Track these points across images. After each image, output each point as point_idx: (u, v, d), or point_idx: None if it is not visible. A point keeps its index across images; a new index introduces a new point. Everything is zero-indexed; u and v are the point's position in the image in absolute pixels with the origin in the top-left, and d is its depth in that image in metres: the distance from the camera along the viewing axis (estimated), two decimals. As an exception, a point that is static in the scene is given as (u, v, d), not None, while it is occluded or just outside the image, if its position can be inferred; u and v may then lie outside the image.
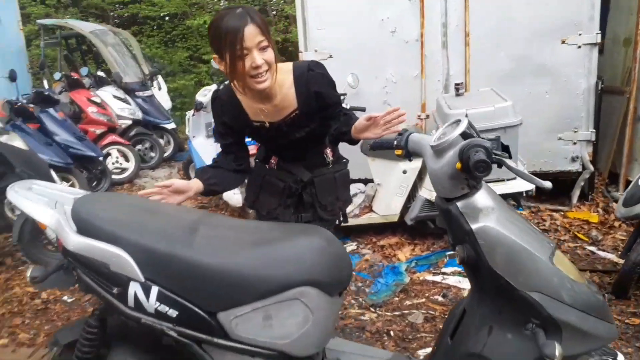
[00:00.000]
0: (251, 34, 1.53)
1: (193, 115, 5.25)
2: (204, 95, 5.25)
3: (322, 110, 1.83)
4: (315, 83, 1.77)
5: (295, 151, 1.91)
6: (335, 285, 1.51)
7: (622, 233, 3.71)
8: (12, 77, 5.03)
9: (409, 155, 1.71)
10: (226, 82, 5.56)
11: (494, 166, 1.31)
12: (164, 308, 1.39)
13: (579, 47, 3.90)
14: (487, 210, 1.37)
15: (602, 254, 3.49)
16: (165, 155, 7.03)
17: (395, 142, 1.71)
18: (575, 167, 4.13)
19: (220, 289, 1.38)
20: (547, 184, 1.24)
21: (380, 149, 1.82)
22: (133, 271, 1.37)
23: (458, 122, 1.47)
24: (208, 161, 5.07)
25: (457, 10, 3.95)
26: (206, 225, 1.52)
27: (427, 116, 4.11)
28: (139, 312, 1.40)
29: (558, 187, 4.44)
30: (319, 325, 1.47)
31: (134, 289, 1.39)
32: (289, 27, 11.84)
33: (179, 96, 11.66)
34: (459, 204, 1.39)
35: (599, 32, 3.85)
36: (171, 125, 7.24)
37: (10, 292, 3.43)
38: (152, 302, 1.39)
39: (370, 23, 4.03)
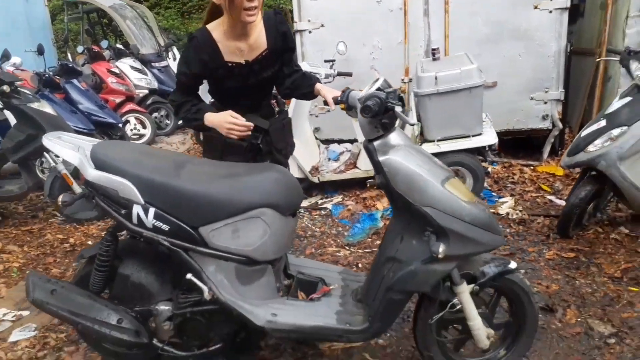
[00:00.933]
0: None
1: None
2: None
3: (285, 51, 2.20)
4: (282, 23, 2.16)
5: (255, 98, 2.23)
6: (287, 207, 2.01)
7: (583, 183, 4.09)
8: (40, 51, 5.57)
9: (350, 108, 2.16)
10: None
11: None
12: (159, 224, 1.90)
13: (550, 11, 4.20)
14: (395, 147, 1.83)
15: (558, 201, 3.89)
16: (180, 122, 7.55)
17: (339, 98, 2.17)
18: (546, 125, 4.49)
19: (200, 209, 1.89)
20: (412, 121, 1.68)
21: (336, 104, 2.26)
22: (135, 196, 1.89)
23: (377, 80, 1.92)
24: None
25: (437, -20, 4.29)
26: (190, 164, 2.03)
27: (410, 80, 4.50)
28: (141, 227, 1.92)
29: (532, 146, 4.85)
30: (275, 237, 1.98)
31: (137, 210, 1.91)
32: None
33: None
34: (375, 143, 1.85)
35: (569, -4, 4.15)
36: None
37: (44, 239, 4.02)
38: (150, 220, 1.90)
39: (357, -6, 4.41)
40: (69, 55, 7.72)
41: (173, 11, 12.70)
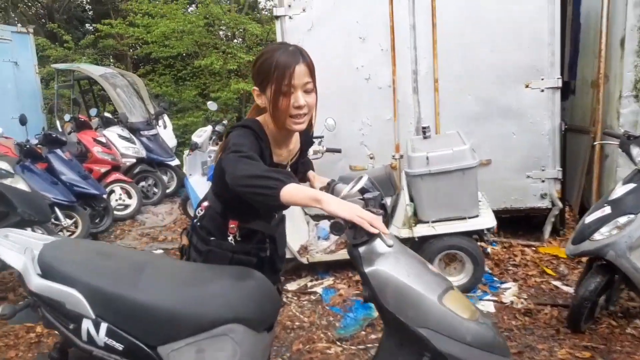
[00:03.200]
0: (301, 72, 1.58)
1: (189, 154, 5.57)
2: (199, 136, 5.57)
3: (308, 145, 2.02)
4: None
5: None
6: (262, 322, 1.74)
7: (587, 268, 3.85)
8: (22, 121, 5.44)
9: None
10: (224, 122, 5.82)
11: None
12: (112, 342, 1.63)
13: (542, 90, 4.13)
14: (383, 255, 1.60)
15: (565, 288, 3.64)
16: (168, 190, 7.36)
17: (324, 190, 1.97)
18: (545, 203, 4.31)
19: (159, 325, 1.62)
20: (389, 242, 1.46)
21: None
22: (85, 309, 1.63)
23: (360, 179, 1.72)
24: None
25: (427, 58, 4.24)
26: (151, 266, 1.78)
27: (401, 156, 4.36)
28: (91, 345, 1.65)
29: (532, 224, 4.65)
30: (247, 359, 1.70)
31: (87, 325, 1.64)
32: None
33: (188, 132, 12.12)
34: (361, 249, 1.61)
35: (560, 77, 4.09)
36: (174, 162, 7.59)
37: (8, 327, 3.68)
38: (102, 337, 1.63)
39: (346, 70, 4.35)
40: (58, 123, 7.62)
41: (167, 77, 12.83)
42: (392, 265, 1.59)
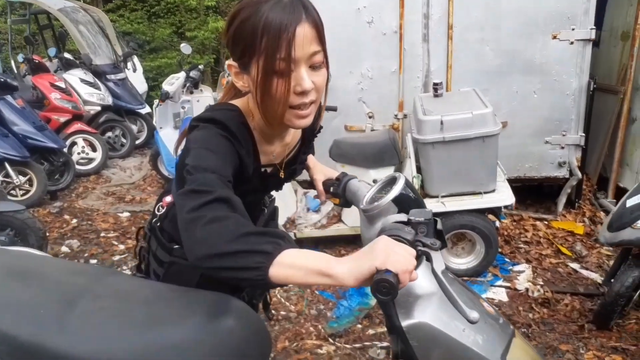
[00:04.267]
0: (305, 37, 0.98)
1: (159, 105, 4.92)
2: (171, 84, 4.91)
3: (314, 135, 1.40)
4: None
5: (258, 206, 1.42)
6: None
7: (608, 248, 3.45)
8: (-38, 63, 4.66)
9: (347, 204, 1.42)
10: (199, 67, 5.13)
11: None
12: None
13: (571, 43, 3.56)
14: (424, 298, 1.09)
15: (585, 272, 3.24)
16: (138, 142, 6.70)
17: (331, 189, 1.43)
18: (562, 173, 3.85)
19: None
20: (473, 316, 0.92)
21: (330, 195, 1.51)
22: (-13, 364, 1.10)
23: (394, 180, 1.18)
24: (175, 154, 4.82)
25: (441, 0, 3.59)
26: (90, 295, 1.23)
27: (405, 116, 3.80)
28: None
29: (543, 193, 4.21)
30: None
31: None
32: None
33: (162, 74, 11.24)
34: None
35: (594, 27, 3.51)
36: (145, 110, 6.89)
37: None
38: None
39: (344, 12, 3.68)
40: (13, 64, 6.76)
41: (139, 14, 11.76)
42: (439, 315, 1.08)
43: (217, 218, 0.90)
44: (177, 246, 1.34)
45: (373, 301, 2.97)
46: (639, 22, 3.56)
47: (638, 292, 2.60)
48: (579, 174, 3.78)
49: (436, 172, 3.03)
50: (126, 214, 4.57)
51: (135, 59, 7.68)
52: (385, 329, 2.73)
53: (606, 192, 3.98)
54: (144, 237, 1.42)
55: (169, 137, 4.91)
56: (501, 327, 1.19)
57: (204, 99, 5.49)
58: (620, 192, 3.86)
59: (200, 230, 0.89)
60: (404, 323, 1.05)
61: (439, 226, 1.02)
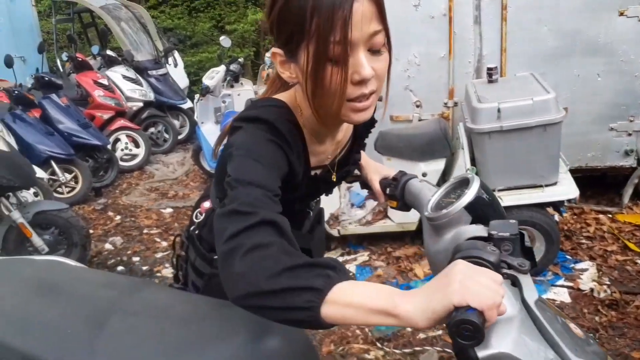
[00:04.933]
0: (364, 15, 0.82)
1: (200, 100, 4.87)
2: (211, 77, 4.85)
3: (368, 132, 1.24)
4: None
5: (304, 211, 1.27)
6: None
7: (684, 244, 3.14)
8: (8, 63, 4.75)
9: (406, 207, 1.26)
10: (239, 60, 5.05)
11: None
12: None
13: (640, 19, 3.24)
14: (504, 323, 0.91)
15: (656, 272, 2.95)
16: (180, 137, 6.70)
17: (388, 190, 1.27)
18: (629, 162, 3.53)
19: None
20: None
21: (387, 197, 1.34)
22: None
23: (466, 182, 1.01)
24: (217, 149, 4.76)
25: (493, -22, 3.34)
26: (121, 312, 1.12)
27: (455, 104, 3.57)
28: None
29: (606, 184, 3.89)
30: None
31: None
32: None
33: (202, 69, 11.29)
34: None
35: (667, 1, 3.18)
36: (187, 105, 6.88)
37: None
38: None
39: (389, -5, 3.48)
40: (59, 63, 6.88)
41: (180, 9, 11.84)
42: (522, 343, 0.89)
43: (259, 245, 0.75)
44: (217, 256, 1.21)
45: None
46: None
47: None
48: (649, 163, 3.46)
49: (492, 164, 2.81)
50: (169, 210, 4.55)
51: (176, 54, 7.70)
52: (438, 333, 2.56)
53: (679, 182, 3.63)
54: (181, 246, 1.31)
55: (210, 132, 4.86)
56: (592, 353, 1.01)
57: (245, 92, 5.41)
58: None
59: (239, 263, 0.74)
60: (481, 354, 0.87)
61: (527, 242, 0.84)
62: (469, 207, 0.93)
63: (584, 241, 3.35)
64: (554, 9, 3.33)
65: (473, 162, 2.91)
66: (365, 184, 1.35)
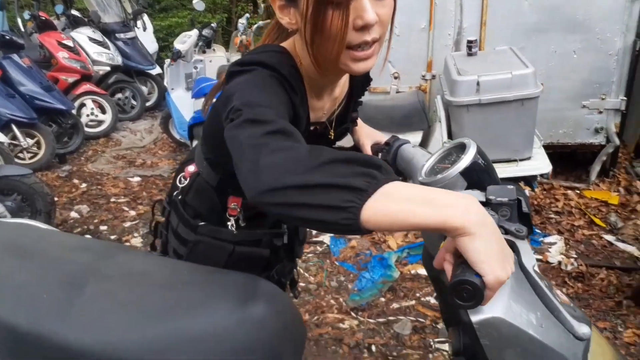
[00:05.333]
0: None
1: (170, 65, 4.70)
2: (183, 42, 4.67)
3: (364, 88, 1.19)
4: None
5: None
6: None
7: (647, 220, 3.25)
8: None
9: (398, 174, 1.23)
10: (212, 25, 4.89)
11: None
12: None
13: (618, -3, 3.26)
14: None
15: (621, 245, 3.04)
16: (148, 104, 6.50)
17: (380, 156, 1.24)
18: (599, 139, 3.60)
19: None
20: (584, 331, 0.73)
21: None
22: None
23: (462, 147, 0.98)
24: (187, 116, 4.60)
25: (475, -52, 3.30)
26: (98, 276, 1.06)
27: (434, 76, 3.55)
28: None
29: (575, 161, 3.97)
30: None
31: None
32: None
33: (172, 34, 10.92)
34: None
35: (645, -22, 3.21)
36: (156, 71, 6.65)
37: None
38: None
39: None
40: (19, 22, 6.50)
41: (149, -29, 11.36)
42: (514, 308, 0.89)
43: (285, 147, 0.68)
44: (203, 223, 1.16)
45: (396, 273, 2.82)
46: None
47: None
48: (617, 141, 3.54)
49: (470, 137, 2.81)
50: (137, 179, 4.43)
51: (146, 17, 7.40)
52: (411, 302, 2.59)
53: (644, 160, 3.74)
54: (163, 212, 1.25)
55: (181, 99, 4.71)
56: (577, 319, 1.01)
57: (217, 59, 5.26)
58: (659, 161, 3.63)
59: (266, 157, 0.67)
60: (475, 319, 0.86)
61: (525, 208, 0.82)
62: (465, 173, 0.91)
63: (552, 216, 3.43)
64: (535, -17, 3.33)
65: (450, 135, 2.91)
66: (357, 149, 1.31)
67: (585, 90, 3.49)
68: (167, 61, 4.84)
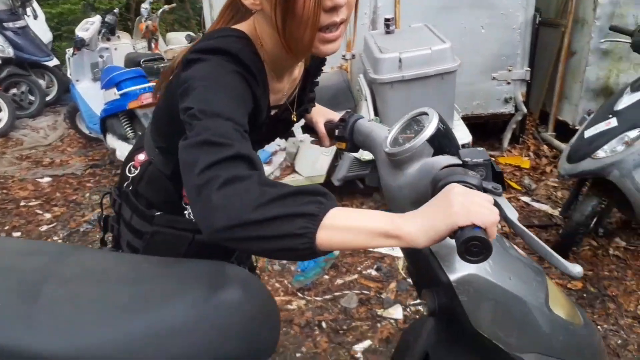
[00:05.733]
0: None
1: (74, 54, 4.36)
2: (85, 29, 4.35)
3: (320, 68, 1.19)
4: None
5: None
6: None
7: (554, 180, 3.56)
8: None
9: (355, 148, 1.25)
10: (114, 10, 4.59)
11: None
12: None
13: (518, -25, 3.50)
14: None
15: (536, 205, 3.32)
16: (48, 98, 6.01)
17: (337, 132, 1.24)
18: (508, 108, 3.88)
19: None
20: (577, 269, 0.80)
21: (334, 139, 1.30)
22: None
23: (423, 115, 1.02)
24: (97, 109, 4.30)
25: None
26: (55, 279, 0.98)
27: (353, 56, 3.60)
28: None
29: (487, 131, 4.25)
30: None
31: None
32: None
33: (65, 23, 10.12)
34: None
35: (539, -41, 3.46)
36: (53, 62, 6.15)
37: None
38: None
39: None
40: None
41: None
42: (485, 265, 0.95)
43: (238, 177, 0.68)
44: (159, 213, 1.10)
45: (337, 251, 2.87)
46: (580, -48, 3.54)
47: (594, 221, 2.69)
48: (524, 109, 3.83)
49: (394, 113, 2.90)
50: (47, 179, 4.09)
51: (35, 4, 6.76)
52: (354, 277, 2.66)
53: (546, 126, 4.08)
54: (113, 204, 1.17)
55: (87, 90, 4.40)
56: (535, 270, 1.10)
57: (123, 46, 4.97)
58: (559, 125, 3.98)
59: (217, 194, 0.67)
60: (452, 277, 0.91)
61: (497, 167, 0.87)
62: (431, 140, 0.94)
63: (472, 183, 3.65)
64: (443, -38, 3.46)
65: (376, 112, 2.98)
66: (309, 128, 1.31)
67: (494, 63, 3.73)
68: (69, 51, 4.49)
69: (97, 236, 3.19)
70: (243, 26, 0.92)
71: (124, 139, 3.81)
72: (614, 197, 2.56)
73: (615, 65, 3.60)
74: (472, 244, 0.66)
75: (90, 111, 4.38)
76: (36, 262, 0.99)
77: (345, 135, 1.20)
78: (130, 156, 1.15)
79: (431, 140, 0.94)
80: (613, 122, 2.50)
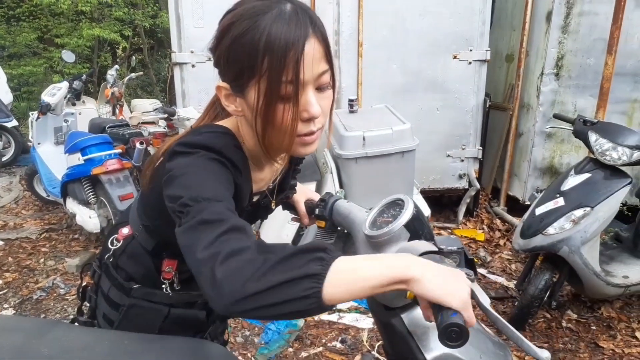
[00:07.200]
0: (314, 56, 0.84)
1: (38, 118, 4.33)
2: (52, 94, 4.35)
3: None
4: None
5: None
6: None
7: (507, 253, 3.74)
8: None
9: (334, 228, 1.32)
10: (82, 77, 4.64)
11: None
12: None
13: (470, 63, 3.83)
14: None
15: (492, 277, 3.45)
16: (5, 159, 5.87)
17: (317, 211, 1.31)
18: (463, 184, 4.10)
19: None
20: (545, 355, 0.87)
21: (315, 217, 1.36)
22: None
23: (399, 203, 1.11)
24: (58, 173, 4.25)
25: (351, 17, 3.65)
26: (35, 359, 0.97)
27: (318, 131, 3.76)
28: None
29: (442, 204, 4.45)
30: None
31: None
32: (158, 12, 10.81)
33: (26, 84, 10.06)
34: (405, 317, 1.02)
35: (489, 49, 3.81)
36: (12, 123, 6.06)
37: None
38: None
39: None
40: None
41: (-3, 17, 10.43)
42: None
43: (237, 250, 0.72)
44: (137, 286, 1.13)
45: (301, 322, 2.86)
46: (523, 47, 3.93)
47: (547, 294, 2.82)
48: (477, 185, 4.06)
49: (358, 186, 3.04)
50: (-1, 243, 3.93)
51: (-4, 63, 6.75)
52: (319, 349, 2.64)
53: (498, 200, 4.32)
54: (92, 275, 1.19)
55: (49, 154, 4.35)
56: (500, 348, 1.17)
57: (87, 111, 5.01)
58: (510, 200, 4.22)
59: (220, 270, 0.70)
60: (429, 356, 0.97)
61: (469, 255, 0.96)
62: (407, 225, 1.03)
63: (431, 255, 3.77)
64: (402, 49, 3.77)
65: (341, 184, 3.10)
66: (289, 205, 1.38)
67: (449, 142, 3.98)
68: (33, 114, 4.46)
69: (52, 304, 3.06)
70: (227, 122, 1.00)
71: (85, 204, 3.75)
72: (564, 271, 2.72)
73: (559, 146, 3.93)
74: (452, 330, 0.72)
75: (50, 174, 4.30)
76: (14, 339, 0.98)
77: (324, 215, 1.27)
78: (114, 229, 1.18)
79: (407, 225, 1.03)
80: (560, 201, 2.70)
